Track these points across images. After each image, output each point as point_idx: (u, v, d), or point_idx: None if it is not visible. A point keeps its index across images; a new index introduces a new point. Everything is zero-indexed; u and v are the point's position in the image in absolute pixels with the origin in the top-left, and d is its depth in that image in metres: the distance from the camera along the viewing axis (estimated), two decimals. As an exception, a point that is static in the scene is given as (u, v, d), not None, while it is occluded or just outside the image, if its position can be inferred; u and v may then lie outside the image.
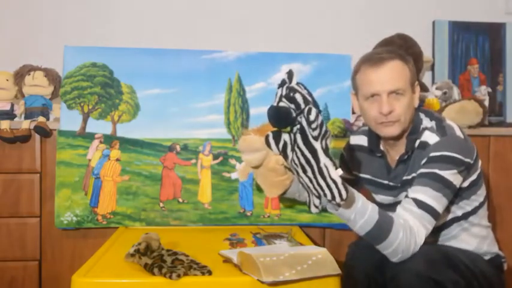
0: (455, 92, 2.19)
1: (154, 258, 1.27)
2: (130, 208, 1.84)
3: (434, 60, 2.39)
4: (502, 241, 1.61)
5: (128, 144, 1.88)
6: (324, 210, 1.30)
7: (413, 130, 1.43)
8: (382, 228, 1.25)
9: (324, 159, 1.18)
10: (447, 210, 1.41)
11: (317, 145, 1.19)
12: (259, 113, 1.94)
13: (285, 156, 1.29)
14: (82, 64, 1.88)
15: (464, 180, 1.40)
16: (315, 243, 1.79)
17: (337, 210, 1.25)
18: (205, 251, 1.42)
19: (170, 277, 1.19)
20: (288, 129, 1.28)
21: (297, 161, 1.24)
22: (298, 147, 1.22)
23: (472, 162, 1.39)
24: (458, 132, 1.41)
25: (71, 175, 1.82)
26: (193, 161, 1.90)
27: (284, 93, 1.26)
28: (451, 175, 1.33)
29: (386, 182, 1.52)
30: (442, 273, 1.26)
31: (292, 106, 1.22)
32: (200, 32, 2.34)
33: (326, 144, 1.20)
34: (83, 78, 1.88)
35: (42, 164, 1.87)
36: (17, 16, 2.26)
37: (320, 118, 1.19)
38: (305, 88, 1.28)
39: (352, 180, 1.63)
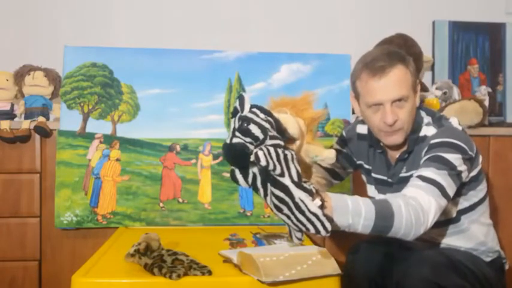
0: (455, 92, 2.18)
1: (154, 258, 1.27)
2: (130, 208, 1.84)
3: (434, 60, 2.39)
4: (501, 241, 1.60)
5: (128, 144, 1.88)
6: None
7: (414, 130, 1.39)
8: (385, 215, 1.14)
9: (298, 193, 1.03)
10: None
11: (286, 181, 1.03)
12: (259, 113, 1.94)
13: (256, 190, 1.10)
14: (82, 64, 1.88)
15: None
16: (315, 243, 1.79)
17: (332, 223, 1.10)
18: (205, 251, 1.42)
19: (170, 277, 1.19)
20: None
21: (269, 200, 1.07)
22: (268, 186, 1.06)
23: (473, 155, 1.35)
24: (455, 124, 1.38)
25: (71, 175, 1.82)
26: (193, 161, 1.90)
27: (237, 125, 1.06)
28: (456, 159, 1.27)
29: (385, 178, 1.48)
30: (447, 278, 1.24)
31: (248, 140, 1.04)
32: (200, 32, 2.34)
33: (296, 170, 1.04)
34: (83, 78, 1.88)
35: (42, 164, 1.87)
36: (17, 16, 2.26)
37: (274, 153, 1.02)
38: (262, 111, 1.08)
39: (343, 173, 1.61)
